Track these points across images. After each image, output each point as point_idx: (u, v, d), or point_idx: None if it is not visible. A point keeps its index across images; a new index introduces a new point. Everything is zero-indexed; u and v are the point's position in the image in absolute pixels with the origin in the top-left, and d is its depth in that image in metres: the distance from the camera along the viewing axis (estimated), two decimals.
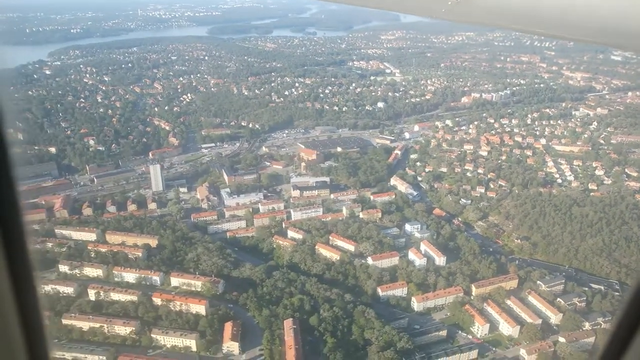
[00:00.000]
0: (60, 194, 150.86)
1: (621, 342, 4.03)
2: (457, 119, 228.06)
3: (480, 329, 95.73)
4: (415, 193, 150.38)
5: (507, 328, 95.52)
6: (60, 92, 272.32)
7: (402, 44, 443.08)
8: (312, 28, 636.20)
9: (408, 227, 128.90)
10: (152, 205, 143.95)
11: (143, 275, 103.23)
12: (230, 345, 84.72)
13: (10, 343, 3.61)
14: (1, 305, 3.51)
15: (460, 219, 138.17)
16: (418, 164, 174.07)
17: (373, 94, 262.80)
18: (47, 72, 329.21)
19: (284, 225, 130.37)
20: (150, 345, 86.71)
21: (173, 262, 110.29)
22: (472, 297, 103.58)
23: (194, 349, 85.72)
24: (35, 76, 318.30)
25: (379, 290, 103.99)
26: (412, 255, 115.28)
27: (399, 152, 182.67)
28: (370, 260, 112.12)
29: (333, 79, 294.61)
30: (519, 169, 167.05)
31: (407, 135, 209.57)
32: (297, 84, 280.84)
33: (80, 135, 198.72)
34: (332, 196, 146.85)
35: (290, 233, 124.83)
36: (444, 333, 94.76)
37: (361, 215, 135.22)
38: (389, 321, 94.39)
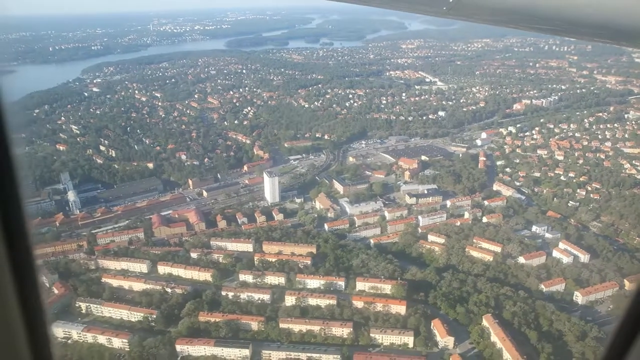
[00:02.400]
0: (190, 208, 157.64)
1: (623, 343, 4.07)
2: (517, 125, 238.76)
3: None
4: (522, 197, 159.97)
5: None
6: (122, 108, 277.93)
7: (427, 53, 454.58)
8: (325, 38, 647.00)
9: (535, 228, 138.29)
10: (280, 216, 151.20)
11: (326, 281, 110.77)
12: (447, 340, 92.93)
13: (14, 343, 3.69)
14: (4, 306, 3.60)
15: (573, 220, 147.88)
16: (508, 169, 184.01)
17: (428, 103, 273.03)
18: (95, 89, 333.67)
19: (419, 231, 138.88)
20: (369, 344, 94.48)
21: (341, 267, 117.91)
22: (628, 291, 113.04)
23: (411, 345, 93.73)
24: (85, 94, 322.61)
25: (541, 286, 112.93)
26: (556, 253, 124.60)
27: (484, 159, 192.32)
28: (522, 260, 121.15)
29: (381, 89, 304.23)
30: (605, 171, 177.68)
31: (478, 142, 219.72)
32: (350, 95, 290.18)
33: (172, 151, 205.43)
34: (448, 203, 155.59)
35: (431, 237, 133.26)
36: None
37: (485, 220, 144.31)
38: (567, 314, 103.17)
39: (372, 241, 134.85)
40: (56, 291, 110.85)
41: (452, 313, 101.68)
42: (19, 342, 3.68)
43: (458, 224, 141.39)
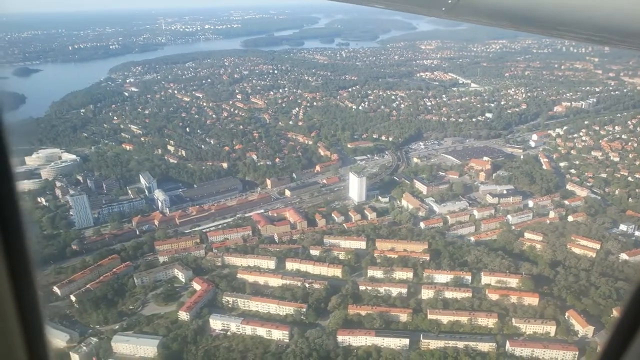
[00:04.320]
0: (280, 207, 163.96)
1: (621, 342, 4.10)
2: (564, 127, 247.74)
3: None
4: (598, 197, 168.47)
5: None
6: (170, 108, 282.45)
7: (448, 54, 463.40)
8: (339, 39, 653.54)
9: (623, 227, 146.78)
10: (373, 215, 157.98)
11: (455, 276, 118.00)
12: (587, 330, 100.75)
13: (10, 342, 3.69)
14: (1, 306, 3.60)
15: None
16: (572, 170, 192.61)
17: (471, 104, 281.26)
18: (133, 89, 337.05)
19: (513, 228, 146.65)
20: (515, 332, 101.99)
21: (458, 263, 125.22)
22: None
23: (552, 334, 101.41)
24: (125, 94, 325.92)
25: None
26: None
27: (547, 160, 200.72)
28: (624, 256, 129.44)
29: (419, 91, 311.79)
30: None
31: (532, 144, 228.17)
32: (392, 97, 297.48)
33: (241, 151, 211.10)
34: (529, 202, 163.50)
35: (528, 235, 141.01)
36: None
37: (570, 219, 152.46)
38: None
39: (472, 238, 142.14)
40: (198, 287, 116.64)
41: (579, 305, 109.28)
42: (15, 343, 3.72)
43: (547, 222, 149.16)
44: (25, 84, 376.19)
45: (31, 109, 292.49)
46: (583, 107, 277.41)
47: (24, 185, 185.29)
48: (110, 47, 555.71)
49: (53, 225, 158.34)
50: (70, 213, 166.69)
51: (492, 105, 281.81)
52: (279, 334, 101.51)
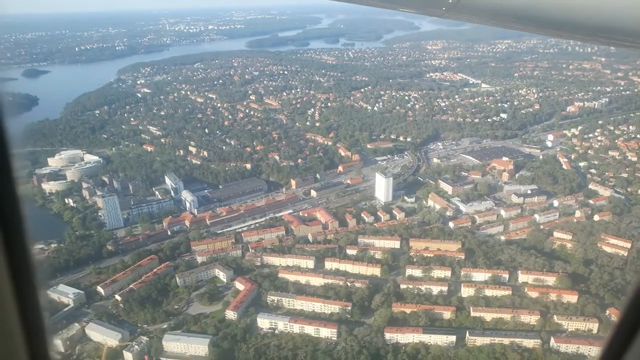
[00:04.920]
0: (317, 207, 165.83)
1: (621, 342, 4.08)
2: (579, 127, 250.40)
3: None
4: (622, 197, 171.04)
5: None
6: (186, 109, 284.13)
7: (455, 54, 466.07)
8: (344, 39, 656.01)
9: None
10: (401, 215, 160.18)
11: (492, 274, 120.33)
12: None
13: (11, 344, 3.68)
14: (2, 306, 3.60)
15: None
16: (592, 170, 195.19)
17: (484, 105, 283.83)
18: (146, 90, 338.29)
19: (541, 228, 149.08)
20: (557, 329, 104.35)
21: (492, 261, 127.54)
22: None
23: (595, 331, 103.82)
24: (138, 95, 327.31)
25: None
26: None
27: (566, 160, 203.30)
28: None
29: (431, 91, 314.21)
30: None
31: (548, 144, 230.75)
32: (406, 97, 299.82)
33: (263, 152, 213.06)
34: (554, 202, 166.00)
35: (557, 234, 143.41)
36: None
37: (596, 218, 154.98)
38: None
39: (502, 238, 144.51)
40: (241, 286, 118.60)
41: (618, 303, 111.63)
42: (17, 344, 3.71)
43: (575, 221, 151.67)
44: (35, 86, 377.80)
45: (45, 111, 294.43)
46: (595, 107, 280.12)
47: (51, 187, 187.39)
48: (116, 48, 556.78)
49: (84, 225, 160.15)
50: (99, 214, 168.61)
51: (506, 105, 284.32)
52: (327, 332, 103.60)
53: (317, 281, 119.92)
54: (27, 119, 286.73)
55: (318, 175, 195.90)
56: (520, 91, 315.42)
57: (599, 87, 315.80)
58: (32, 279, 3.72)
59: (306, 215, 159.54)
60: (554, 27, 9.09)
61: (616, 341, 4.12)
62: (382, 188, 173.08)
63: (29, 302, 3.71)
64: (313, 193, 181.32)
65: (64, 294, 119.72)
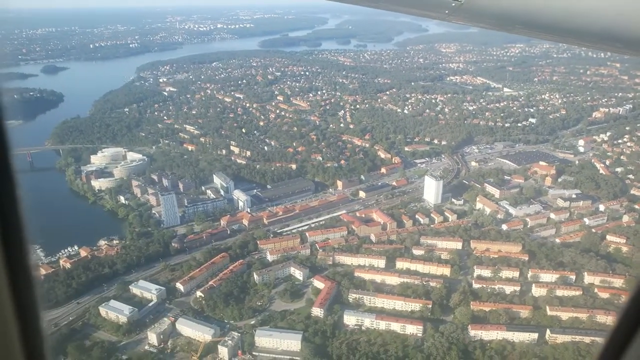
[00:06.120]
0: (372, 209, 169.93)
1: (620, 343, 4.07)
2: (607, 133, 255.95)
3: None
4: None
5: None
6: (217, 109, 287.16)
7: (471, 58, 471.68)
8: (354, 40, 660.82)
9: None
10: (453, 217, 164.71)
11: (557, 275, 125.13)
12: None
13: (8, 342, 3.68)
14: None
15: None
16: (630, 176, 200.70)
17: (512, 109, 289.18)
18: (171, 88, 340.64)
19: (593, 230, 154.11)
20: None
21: (554, 263, 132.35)
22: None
23: None
24: (165, 94, 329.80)
25: None
26: None
27: (602, 165, 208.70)
28: None
29: (456, 95, 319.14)
30: None
31: (581, 149, 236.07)
32: (433, 100, 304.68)
33: (306, 153, 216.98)
34: (600, 206, 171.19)
35: (610, 238, 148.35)
36: None
37: None
38: None
39: (557, 240, 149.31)
40: (320, 284, 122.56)
41: None
42: (12, 340, 3.70)
43: (625, 225, 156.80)
44: (57, 82, 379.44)
45: (72, 108, 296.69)
46: (620, 113, 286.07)
47: (100, 184, 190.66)
48: (130, 45, 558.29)
49: (142, 223, 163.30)
50: (153, 211, 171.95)
51: (532, 110, 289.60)
52: (412, 329, 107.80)
53: (392, 280, 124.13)
54: (55, 116, 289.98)
55: (362, 177, 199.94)
56: (543, 96, 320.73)
57: (620, 93, 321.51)
58: (29, 278, 3.77)
59: (363, 215, 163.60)
60: (559, 34, 8.98)
61: (615, 341, 4.12)
62: (431, 190, 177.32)
63: (27, 303, 3.76)
64: (362, 194, 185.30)
65: (146, 289, 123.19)
